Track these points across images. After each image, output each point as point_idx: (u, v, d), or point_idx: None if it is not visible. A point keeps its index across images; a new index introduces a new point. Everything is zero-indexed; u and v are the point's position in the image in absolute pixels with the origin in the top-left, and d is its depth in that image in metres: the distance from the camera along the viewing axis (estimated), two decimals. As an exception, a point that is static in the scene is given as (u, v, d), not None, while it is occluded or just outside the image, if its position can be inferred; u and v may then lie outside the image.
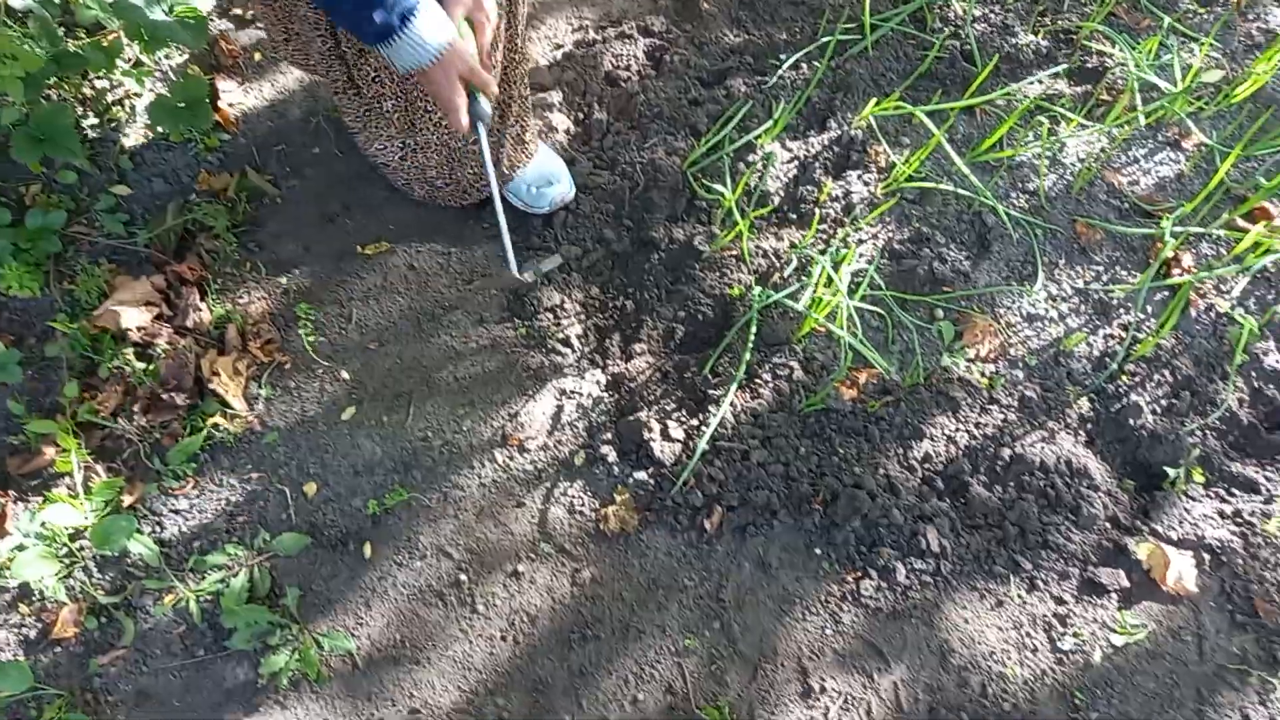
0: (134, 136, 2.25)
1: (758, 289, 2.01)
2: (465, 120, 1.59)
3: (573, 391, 1.98)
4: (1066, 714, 1.71)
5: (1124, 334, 2.07)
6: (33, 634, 1.70)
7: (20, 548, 1.69)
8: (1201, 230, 2.14)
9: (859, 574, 1.81)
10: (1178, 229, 2.11)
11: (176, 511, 1.82)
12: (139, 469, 1.85)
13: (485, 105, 1.62)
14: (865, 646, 1.75)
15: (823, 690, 1.70)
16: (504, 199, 2.15)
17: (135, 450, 1.86)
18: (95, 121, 2.24)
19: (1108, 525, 1.89)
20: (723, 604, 1.77)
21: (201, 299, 2.03)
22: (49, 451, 1.83)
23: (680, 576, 1.80)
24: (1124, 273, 2.14)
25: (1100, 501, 1.89)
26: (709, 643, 1.74)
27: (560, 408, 1.97)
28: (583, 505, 1.87)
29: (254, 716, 1.65)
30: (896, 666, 1.73)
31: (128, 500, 1.80)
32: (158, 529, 1.80)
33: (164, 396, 1.89)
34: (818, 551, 1.82)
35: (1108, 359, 2.05)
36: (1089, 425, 1.99)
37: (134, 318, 1.93)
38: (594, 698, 1.69)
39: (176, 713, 1.65)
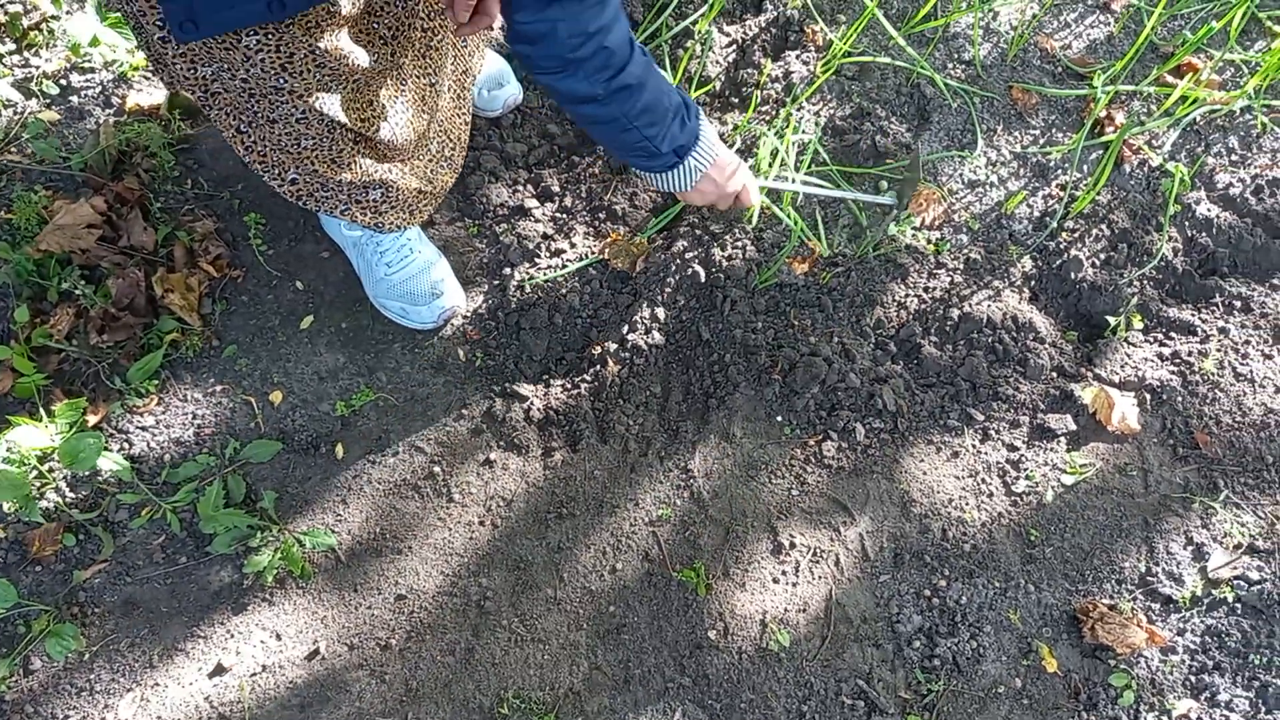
0: (55, 61, 2.19)
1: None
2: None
3: (530, 284, 2.00)
4: (1023, 550, 1.81)
5: (1062, 193, 2.12)
6: (11, 556, 1.71)
7: (-12, 472, 1.68)
8: (1132, 88, 2.19)
9: (820, 437, 1.87)
10: (1109, 87, 2.16)
11: (144, 428, 1.82)
12: (100, 389, 1.84)
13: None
14: (830, 503, 1.82)
15: (792, 546, 1.77)
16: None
17: (94, 371, 1.85)
18: (13, 48, 2.17)
19: (1054, 374, 1.96)
20: (690, 475, 1.83)
21: (144, 219, 2.00)
22: (6, 378, 1.81)
23: (648, 453, 1.85)
24: (1060, 135, 2.19)
25: (1046, 353, 1.96)
26: (681, 511, 1.80)
27: (518, 300, 1.98)
28: (553, 392, 1.90)
29: (243, 614, 1.69)
30: (861, 519, 1.80)
31: (92, 420, 1.80)
32: (126, 446, 1.80)
33: (118, 316, 1.87)
34: (779, 419, 1.88)
35: (1047, 218, 2.11)
36: (1032, 282, 2.06)
37: (77, 240, 1.90)
38: (574, 570, 1.74)
39: (165, 617, 1.68)
